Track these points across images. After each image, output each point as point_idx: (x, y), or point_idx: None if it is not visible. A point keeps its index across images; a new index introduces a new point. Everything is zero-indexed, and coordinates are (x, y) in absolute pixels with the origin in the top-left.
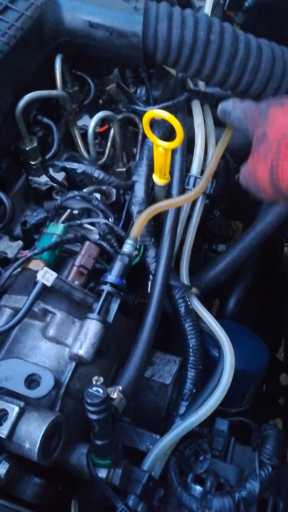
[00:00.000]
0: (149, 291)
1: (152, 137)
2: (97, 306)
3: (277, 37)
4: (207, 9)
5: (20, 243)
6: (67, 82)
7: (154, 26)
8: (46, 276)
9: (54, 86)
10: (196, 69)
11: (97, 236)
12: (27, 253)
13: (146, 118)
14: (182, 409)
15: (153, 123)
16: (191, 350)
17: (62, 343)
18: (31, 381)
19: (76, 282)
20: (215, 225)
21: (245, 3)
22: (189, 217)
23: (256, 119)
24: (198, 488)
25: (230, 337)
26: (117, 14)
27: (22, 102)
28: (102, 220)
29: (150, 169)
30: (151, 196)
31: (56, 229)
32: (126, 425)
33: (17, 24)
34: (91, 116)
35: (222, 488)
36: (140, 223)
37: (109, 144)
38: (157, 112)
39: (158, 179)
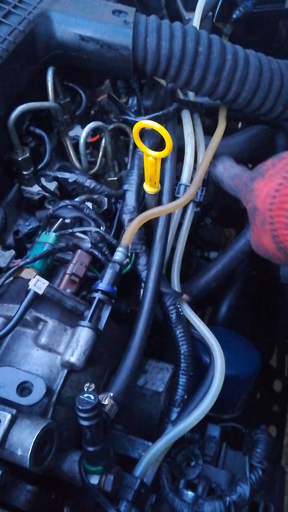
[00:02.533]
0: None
1: (142, 147)
2: (89, 313)
3: (265, 48)
4: (196, 21)
5: (12, 252)
6: (59, 94)
7: (143, 39)
8: (38, 285)
9: (46, 98)
10: (185, 80)
11: (88, 245)
12: (20, 262)
13: (136, 129)
14: (173, 416)
15: (144, 133)
16: (182, 356)
17: (54, 351)
18: (23, 388)
19: (68, 290)
20: (207, 233)
21: (233, 15)
22: (180, 224)
23: (245, 195)
24: (190, 493)
25: (221, 344)
26: (107, 27)
27: (14, 114)
28: (93, 228)
29: (141, 178)
30: (142, 205)
31: (48, 238)
32: (118, 433)
33: (10, 38)
34: (83, 127)
35: (213, 493)
36: (131, 231)
37: (100, 153)
38: (146, 123)
39: (149, 188)
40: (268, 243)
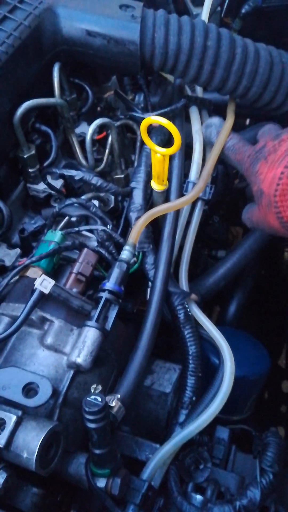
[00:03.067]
0: (148, 298)
1: (150, 144)
2: (95, 313)
3: (275, 43)
4: (204, 16)
5: (18, 250)
6: (65, 90)
7: (151, 34)
8: (44, 284)
9: (52, 94)
10: (193, 75)
11: (95, 243)
12: (25, 260)
13: (143, 125)
14: (182, 417)
15: (151, 130)
16: (190, 357)
17: (60, 351)
18: (29, 389)
19: (74, 290)
20: (214, 231)
21: (242, 10)
22: (188, 223)
23: (250, 176)
24: (199, 497)
25: (230, 344)
26: (115, 22)
27: (20, 110)
28: (100, 227)
29: (148, 176)
30: (149, 203)
31: (54, 237)
32: (125, 435)
33: (16, 34)
34: (89, 124)
35: (223, 496)
36: (138, 229)
37: (107, 151)
38: (154, 119)
39: (156, 185)
40: (273, 222)
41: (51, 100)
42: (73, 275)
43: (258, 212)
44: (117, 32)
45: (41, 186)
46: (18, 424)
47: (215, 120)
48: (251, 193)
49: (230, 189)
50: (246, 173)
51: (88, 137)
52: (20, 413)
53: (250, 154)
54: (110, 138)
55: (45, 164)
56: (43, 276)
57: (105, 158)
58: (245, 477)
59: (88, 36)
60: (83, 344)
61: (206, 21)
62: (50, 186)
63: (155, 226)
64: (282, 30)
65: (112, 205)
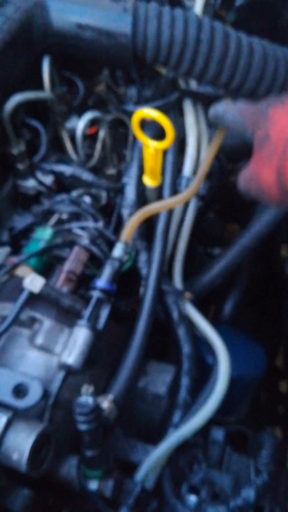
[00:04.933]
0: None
1: (142, 137)
2: (86, 312)
3: (269, 36)
4: (198, 8)
5: (7, 249)
6: (56, 84)
7: (143, 26)
8: (34, 283)
9: (42, 88)
10: (186, 68)
11: (86, 241)
12: (15, 259)
13: (135, 118)
14: (176, 419)
15: (144, 124)
16: (185, 357)
17: (50, 352)
18: (19, 391)
19: (65, 289)
20: (210, 228)
21: (236, 2)
22: (182, 219)
23: (255, 120)
24: (193, 498)
25: (226, 343)
26: (106, 14)
27: (9, 105)
28: (91, 224)
29: (141, 171)
30: (142, 199)
31: (44, 234)
32: (118, 436)
33: (5, 27)
34: (80, 118)
35: (217, 497)
36: (130, 226)
37: (98, 146)
38: (146, 112)
39: (149, 181)
40: (268, 177)
41: (41, 94)
42: (63, 274)
43: (254, 164)
44: (109, 25)
45: (31, 182)
46: (8, 425)
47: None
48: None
49: (226, 184)
50: (251, 121)
51: (79, 132)
52: (10, 414)
53: (260, 103)
54: (101, 133)
55: (35, 159)
56: (33, 275)
57: (96, 153)
58: (239, 477)
59: (79, 29)
60: (74, 344)
61: (200, 13)
62: (40, 182)
63: (148, 223)
64: (277, 22)
65: (104, 202)
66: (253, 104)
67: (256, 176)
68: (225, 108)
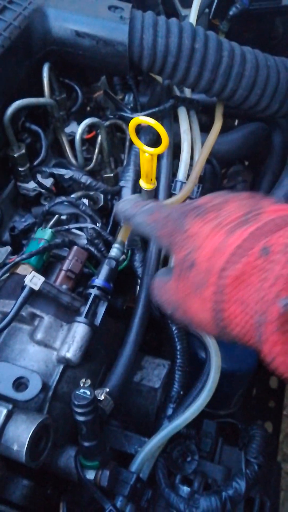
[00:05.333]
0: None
1: (138, 143)
2: (85, 309)
3: (261, 45)
4: (193, 18)
5: (8, 248)
6: (55, 90)
7: (139, 35)
8: (34, 281)
9: (42, 94)
10: (181, 76)
11: (84, 241)
12: (16, 258)
13: (131, 125)
14: (169, 411)
15: (140, 130)
16: (178, 352)
17: (50, 347)
18: (19, 384)
19: (64, 286)
20: None
21: (229, 12)
22: None
23: (171, 233)
24: (186, 488)
25: (218, 339)
26: (104, 23)
27: (10, 110)
28: (89, 225)
29: (137, 175)
30: None
31: (44, 234)
32: (115, 429)
33: (5, 34)
34: (79, 123)
35: (209, 488)
36: (126, 228)
37: (96, 150)
38: (142, 119)
39: (145, 184)
40: (200, 311)
41: (41, 100)
42: (63, 272)
43: (177, 290)
44: (106, 33)
45: (31, 184)
46: (8, 417)
47: (131, 196)
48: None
49: (219, 188)
50: (165, 232)
51: (77, 137)
52: (10, 406)
53: (173, 208)
54: (99, 138)
55: (35, 163)
56: (33, 273)
57: (94, 157)
58: (231, 469)
59: (77, 37)
60: (73, 339)
61: (194, 22)
62: (40, 184)
63: None
64: (269, 32)
65: (101, 204)
66: (167, 210)
67: (184, 306)
68: (132, 210)
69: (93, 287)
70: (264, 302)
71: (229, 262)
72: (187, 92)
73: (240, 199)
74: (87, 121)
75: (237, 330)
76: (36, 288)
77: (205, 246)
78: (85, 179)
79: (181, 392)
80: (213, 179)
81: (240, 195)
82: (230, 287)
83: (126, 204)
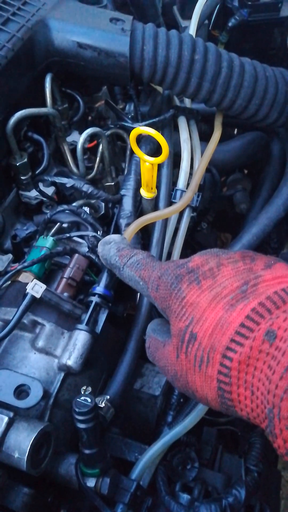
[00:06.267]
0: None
1: (139, 153)
2: (86, 317)
3: (260, 55)
4: (193, 29)
5: (10, 256)
6: (57, 100)
7: (140, 47)
8: (36, 288)
9: (44, 104)
10: (181, 87)
11: (86, 249)
12: (17, 266)
13: (133, 135)
14: (170, 418)
15: (141, 139)
16: None
17: (51, 354)
18: (21, 391)
19: (65, 294)
20: (203, 237)
21: (229, 23)
22: (177, 229)
23: (167, 299)
24: (186, 496)
25: None
26: (105, 35)
27: (13, 120)
28: (91, 233)
29: (138, 184)
30: (139, 210)
31: (45, 242)
32: (114, 436)
33: (8, 45)
34: (81, 132)
35: (209, 495)
36: (128, 235)
37: (98, 159)
38: (143, 129)
39: (146, 193)
40: (205, 388)
41: (43, 109)
42: (64, 280)
43: (175, 358)
44: (108, 45)
45: (33, 193)
46: (9, 425)
47: (115, 236)
48: (238, 200)
49: (218, 196)
50: (156, 294)
51: (79, 146)
52: (11, 414)
53: (165, 268)
54: (100, 147)
55: (37, 171)
56: (35, 281)
57: (95, 166)
58: (231, 477)
59: (79, 48)
60: (74, 347)
61: (194, 34)
62: (42, 193)
63: (144, 233)
64: (267, 43)
65: (102, 212)
66: (157, 268)
67: (186, 379)
68: (118, 261)
69: (94, 294)
70: (274, 395)
71: (233, 342)
72: (187, 102)
73: (233, 262)
74: (88, 131)
75: (246, 412)
76: (38, 296)
77: (205, 319)
78: (87, 188)
79: (181, 400)
80: (213, 187)
81: (232, 256)
82: (237, 369)
83: (109, 250)
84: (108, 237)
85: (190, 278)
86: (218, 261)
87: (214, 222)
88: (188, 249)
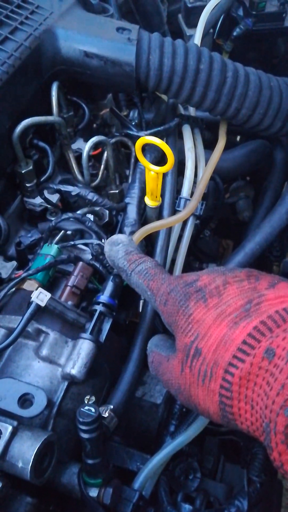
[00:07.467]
0: (140, 310)
1: (144, 162)
2: (90, 326)
3: (264, 64)
4: (197, 38)
5: (14, 263)
6: (63, 108)
7: (146, 56)
8: (41, 297)
9: (49, 111)
10: (186, 96)
11: (90, 257)
12: (21, 273)
13: (138, 145)
14: (172, 428)
15: (146, 147)
16: None
17: (55, 363)
18: (24, 400)
19: (69, 302)
20: (205, 245)
21: (233, 32)
22: (180, 237)
23: (174, 314)
24: (188, 506)
25: None
26: (112, 44)
27: (19, 128)
28: (95, 241)
29: (142, 192)
30: (143, 218)
31: (50, 250)
32: (117, 445)
33: (16, 54)
34: (86, 140)
35: (212, 506)
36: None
37: (102, 167)
38: (149, 139)
39: (150, 201)
40: (207, 402)
41: (49, 118)
42: (68, 288)
43: (179, 373)
44: (114, 54)
45: (38, 200)
46: (13, 434)
47: (123, 237)
48: (241, 208)
49: (221, 203)
50: (164, 308)
51: (84, 154)
52: (15, 423)
53: (174, 284)
54: (105, 154)
55: (42, 179)
56: (40, 289)
57: (100, 173)
58: (233, 487)
59: (86, 57)
60: (78, 356)
61: (199, 42)
62: (46, 200)
63: (148, 240)
64: (272, 52)
65: (106, 220)
66: (166, 281)
67: (189, 392)
68: (126, 265)
69: (98, 303)
70: (271, 410)
71: (235, 358)
72: (191, 110)
73: (239, 281)
74: (94, 139)
75: (246, 425)
76: (43, 304)
77: (210, 335)
78: (91, 196)
79: (184, 409)
80: (216, 195)
81: (238, 275)
82: (238, 384)
83: (117, 252)
84: (115, 237)
85: (197, 296)
86: (224, 279)
87: (216, 229)
88: (191, 256)
